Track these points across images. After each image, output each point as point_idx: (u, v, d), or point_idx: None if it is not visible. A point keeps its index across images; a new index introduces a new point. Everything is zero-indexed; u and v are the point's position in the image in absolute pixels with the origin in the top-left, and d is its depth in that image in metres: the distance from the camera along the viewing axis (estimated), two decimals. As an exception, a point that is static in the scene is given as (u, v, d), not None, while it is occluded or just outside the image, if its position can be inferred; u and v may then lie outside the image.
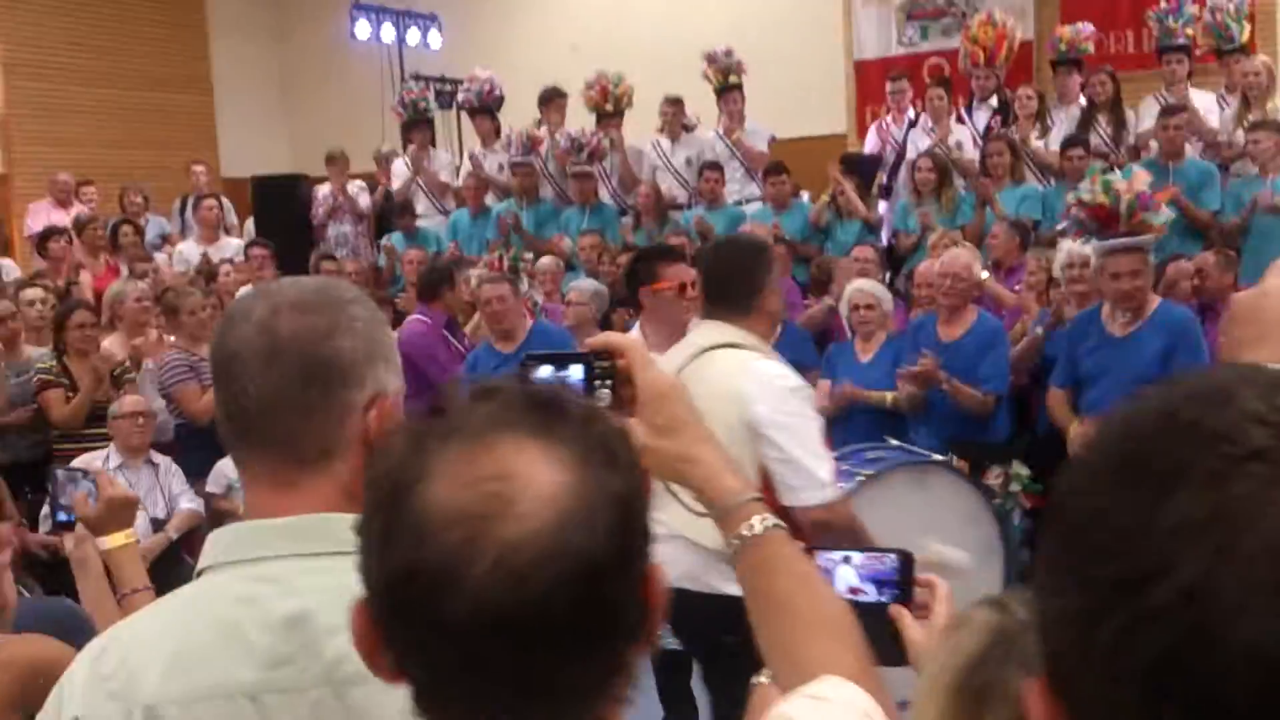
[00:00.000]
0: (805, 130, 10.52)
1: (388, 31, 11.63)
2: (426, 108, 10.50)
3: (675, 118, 9.46)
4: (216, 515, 5.71)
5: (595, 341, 1.36)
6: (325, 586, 1.23)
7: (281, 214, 10.49)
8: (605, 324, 7.01)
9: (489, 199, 9.77)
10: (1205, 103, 8.10)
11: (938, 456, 5.01)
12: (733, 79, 9.35)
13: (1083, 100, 8.67)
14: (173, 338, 6.65)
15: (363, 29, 11.47)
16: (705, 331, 3.58)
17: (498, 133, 9.88)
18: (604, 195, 9.49)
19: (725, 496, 1.31)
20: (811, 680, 1.14)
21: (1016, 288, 6.80)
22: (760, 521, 1.29)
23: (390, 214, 10.29)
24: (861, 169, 8.92)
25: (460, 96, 10.33)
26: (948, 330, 5.89)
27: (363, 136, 11.32)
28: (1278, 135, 7.34)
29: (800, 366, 6.30)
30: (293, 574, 1.29)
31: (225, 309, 1.50)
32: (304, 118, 13.77)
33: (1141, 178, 7.12)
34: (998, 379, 5.67)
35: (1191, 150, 7.76)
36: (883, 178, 9.22)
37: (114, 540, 2.28)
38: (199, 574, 1.37)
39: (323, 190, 10.48)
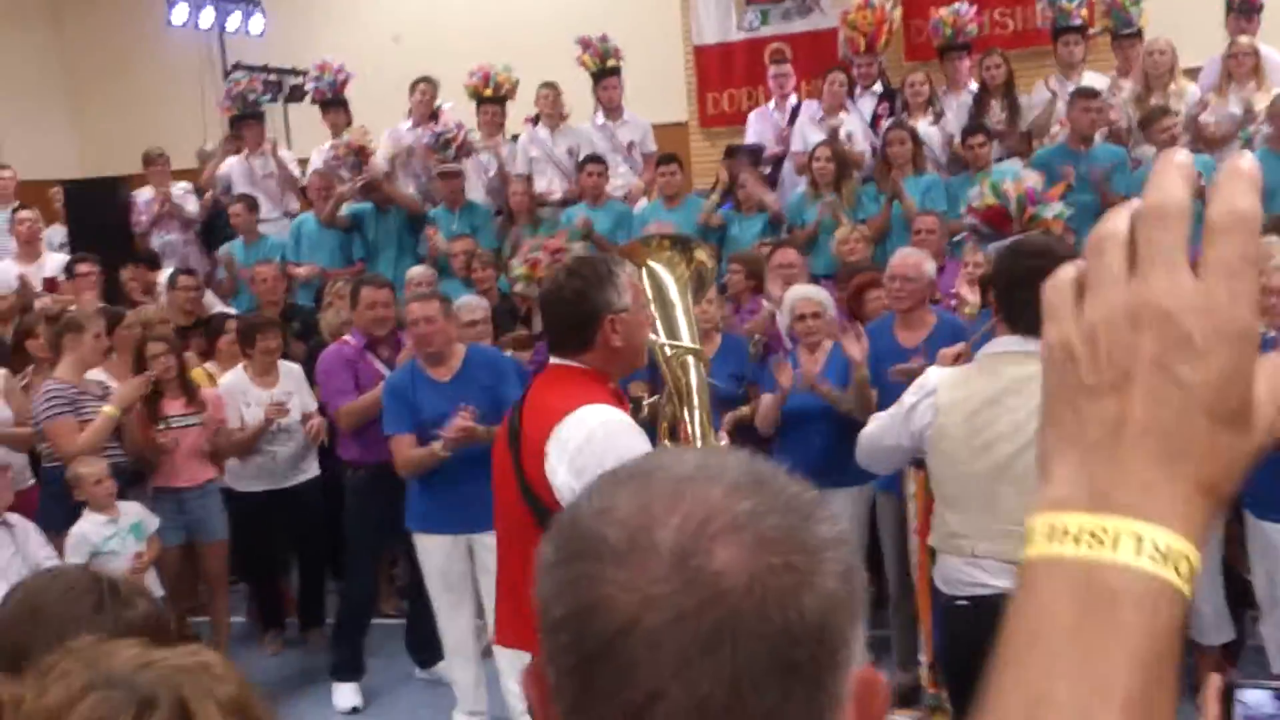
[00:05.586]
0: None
1: (206, 17, 10.48)
2: (257, 100, 9.48)
3: (554, 104, 8.76)
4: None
5: None
6: None
7: (93, 223, 9.27)
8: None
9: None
10: (1100, 85, 7.92)
11: None
12: (611, 63, 8.73)
13: (973, 85, 8.41)
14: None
15: (180, 14, 10.30)
16: None
17: (350, 126, 8.97)
18: (472, 194, 8.72)
19: None
20: None
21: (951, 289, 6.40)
22: None
23: (219, 219, 9.26)
24: (749, 159, 8.42)
25: (308, 86, 9.35)
26: (908, 335, 5.45)
27: (176, 133, 10.22)
28: (1177, 120, 7.23)
29: (741, 380, 5.86)
30: None
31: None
32: (99, 114, 12.42)
33: (1031, 177, 6.94)
34: None
35: (1098, 136, 7.55)
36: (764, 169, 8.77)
37: None
38: None
39: (143, 195, 9.32)
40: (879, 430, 3.69)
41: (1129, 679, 0.64)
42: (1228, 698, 1.29)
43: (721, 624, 0.75)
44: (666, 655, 0.75)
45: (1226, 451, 0.67)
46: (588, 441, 2.77)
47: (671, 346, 3.22)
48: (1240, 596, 5.09)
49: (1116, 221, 0.71)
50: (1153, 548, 0.65)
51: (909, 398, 3.57)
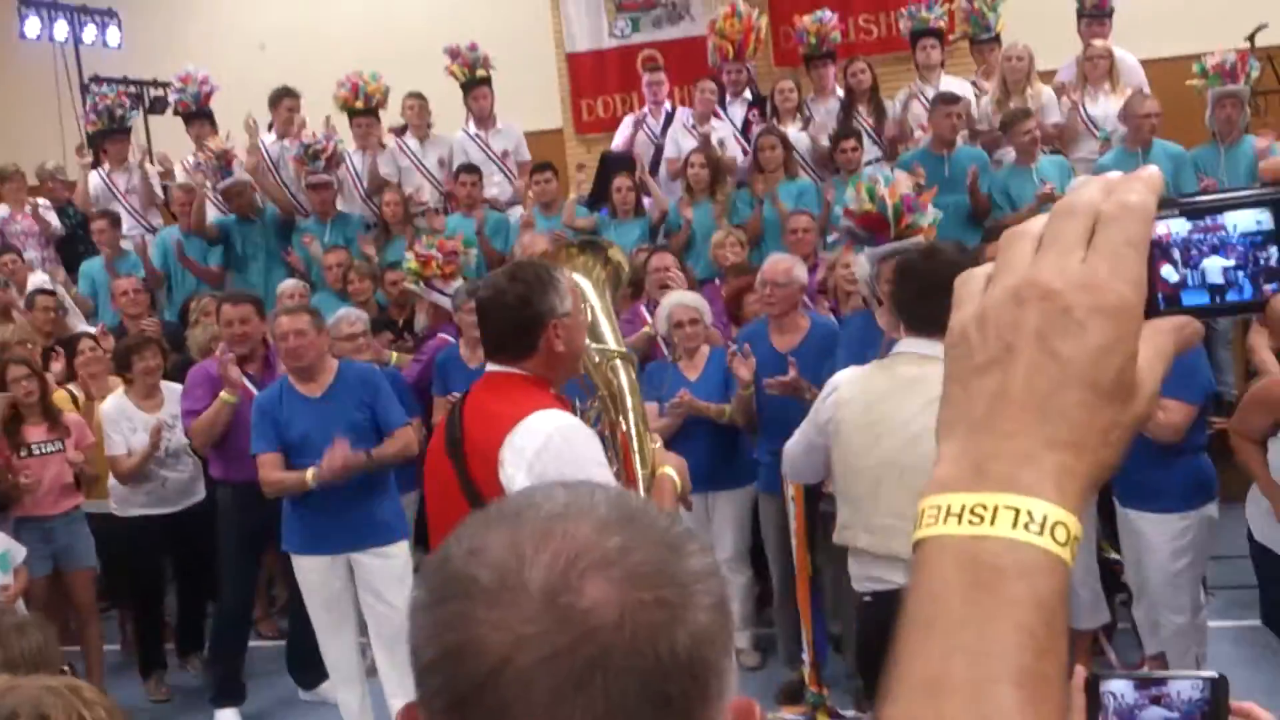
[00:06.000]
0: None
1: (61, 29, 10.14)
2: (124, 114, 9.20)
3: (421, 114, 8.71)
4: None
5: None
6: None
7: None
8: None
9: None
10: (960, 89, 8.14)
11: None
12: (480, 73, 8.71)
13: (839, 91, 8.57)
14: None
15: (33, 27, 9.95)
16: None
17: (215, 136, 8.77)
18: (342, 205, 8.60)
19: None
20: None
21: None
22: None
23: (78, 237, 9.01)
24: (621, 166, 8.45)
25: (171, 98, 9.12)
26: (782, 339, 5.54)
27: (32, 148, 9.87)
28: (1035, 124, 7.45)
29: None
30: None
31: None
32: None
33: (904, 181, 7.11)
34: None
35: (959, 139, 7.76)
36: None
37: None
38: None
39: (-1, 212, 9.00)
40: (798, 437, 3.78)
41: (1019, 652, 0.65)
42: (1093, 689, 1.33)
43: (593, 661, 0.74)
44: (539, 694, 0.74)
45: (1105, 422, 0.69)
46: (545, 447, 2.79)
47: (599, 351, 3.22)
48: (1113, 581, 5.29)
49: (1031, 222, 0.73)
50: (1030, 517, 0.67)
51: (818, 398, 3.70)
